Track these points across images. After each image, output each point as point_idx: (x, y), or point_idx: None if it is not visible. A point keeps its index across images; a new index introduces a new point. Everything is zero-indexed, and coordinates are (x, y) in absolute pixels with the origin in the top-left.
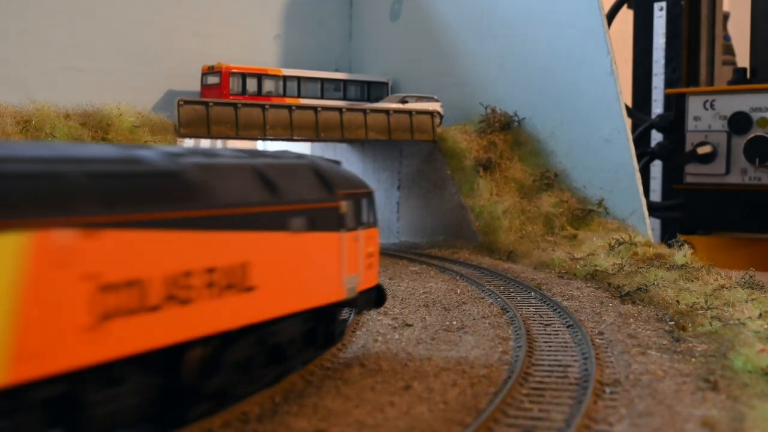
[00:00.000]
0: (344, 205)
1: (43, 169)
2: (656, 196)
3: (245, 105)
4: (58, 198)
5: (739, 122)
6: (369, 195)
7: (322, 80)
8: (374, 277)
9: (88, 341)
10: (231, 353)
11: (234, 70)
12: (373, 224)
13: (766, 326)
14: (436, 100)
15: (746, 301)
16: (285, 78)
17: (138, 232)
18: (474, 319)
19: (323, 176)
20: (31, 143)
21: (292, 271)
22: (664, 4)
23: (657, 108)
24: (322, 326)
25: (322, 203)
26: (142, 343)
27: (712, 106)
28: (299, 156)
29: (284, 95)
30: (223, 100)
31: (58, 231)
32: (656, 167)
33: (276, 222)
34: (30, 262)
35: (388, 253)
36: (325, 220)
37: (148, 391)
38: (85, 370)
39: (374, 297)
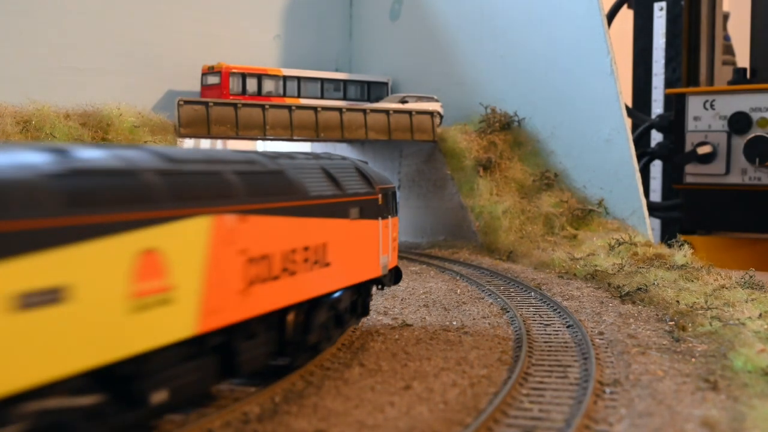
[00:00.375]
0: (380, 198)
1: (209, 168)
2: (656, 196)
3: (245, 105)
4: (224, 190)
5: (739, 122)
6: (394, 189)
7: (322, 80)
8: (396, 258)
9: (240, 302)
10: (317, 315)
11: (234, 70)
12: (395, 214)
13: (766, 326)
14: (436, 100)
15: (746, 301)
16: (285, 78)
17: (267, 217)
18: (474, 319)
19: (364, 174)
20: (182, 148)
21: (350, 252)
22: (664, 4)
23: (657, 108)
24: (361, 298)
25: (367, 196)
26: (268, 305)
27: (712, 106)
28: (343, 157)
29: (284, 95)
30: (223, 100)
31: (225, 216)
32: (656, 167)
33: (342, 211)
34: (210, 240)
35: None
36: (369, 210)
37: (270, 343)
38: (237, 324)
39: (394, 275)
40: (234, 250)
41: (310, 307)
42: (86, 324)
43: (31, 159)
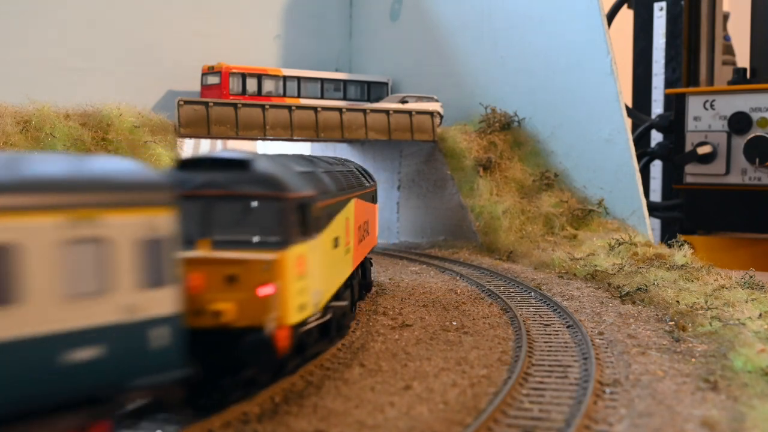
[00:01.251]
0: (376, 189)
1: (340, 168)
2: (656, 196)
3: (245, 105)
4: (351, 182)
5: (739, 122)
6: (376, 183)
7: (322, 80)
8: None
9: (357, 254)
10: (369, 265)
11: (234, 70)
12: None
13: (766, 326)
14: (436, 100)
15: (746, 301)
16: (285, 78)
17: (359, 201)
18: (474, 319)
19: (367, 172)
20: (323, 156)
21: (372, 226)
22: (664, 4)
23: (657, 108)
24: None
25: (372, 188)
26: (361, 258)
27: (712, 106)
28: (350, 161)
29: (284, 95)
30: (223, 100)
31: (354, 199)
32: (656, 167)
33: (370, 197)
34: (353, 214)
35: (388, 253)
36: (374, 197)
37: (360, 283)
38: (355, 269)
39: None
40: (355, 220)
41: (364, 260)
42: (339, 259)
43: (304, 164)
